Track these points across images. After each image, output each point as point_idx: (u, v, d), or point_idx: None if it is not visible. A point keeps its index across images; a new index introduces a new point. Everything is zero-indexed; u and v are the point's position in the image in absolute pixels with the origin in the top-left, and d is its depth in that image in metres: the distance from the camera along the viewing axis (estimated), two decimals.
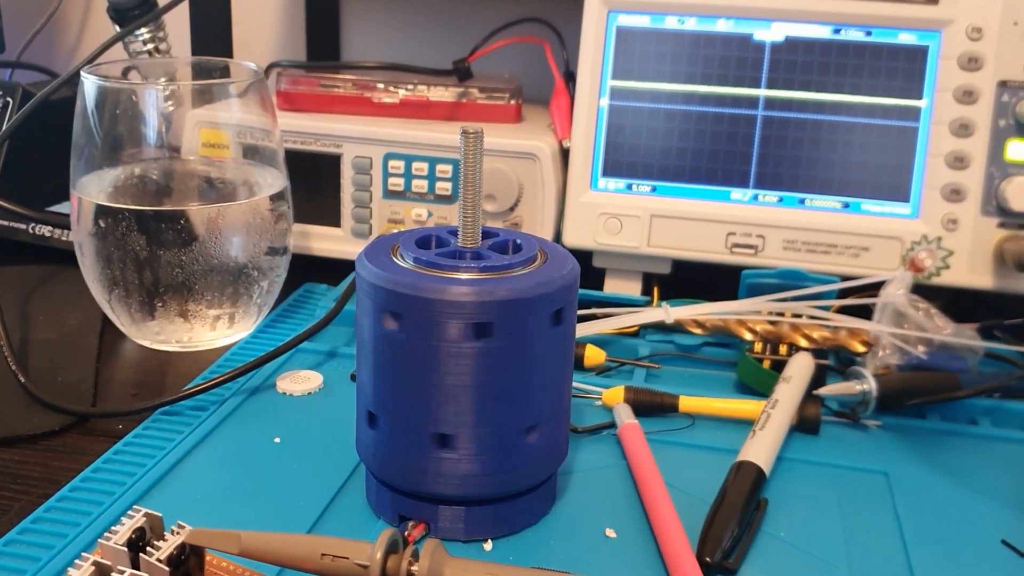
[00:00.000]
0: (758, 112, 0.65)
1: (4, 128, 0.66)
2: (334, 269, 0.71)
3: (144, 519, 0.34)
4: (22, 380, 0.53)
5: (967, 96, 0.63)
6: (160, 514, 0.35)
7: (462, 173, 0.41)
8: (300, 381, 0.55)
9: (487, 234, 0.44)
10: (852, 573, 0.41)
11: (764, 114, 0.65)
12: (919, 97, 0.64)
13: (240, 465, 0.47)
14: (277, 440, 0.49)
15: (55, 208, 0.74)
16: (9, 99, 0.73)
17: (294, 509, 0.43)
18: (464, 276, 0.40)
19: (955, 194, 0.63)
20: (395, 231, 0.50)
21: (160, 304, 0.57)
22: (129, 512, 0.35)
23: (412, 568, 0.32)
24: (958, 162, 0.63)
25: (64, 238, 0.71)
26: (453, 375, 0.39)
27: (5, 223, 0.72)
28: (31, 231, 0.72)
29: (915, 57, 0.64)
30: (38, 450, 0.49)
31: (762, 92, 0.65)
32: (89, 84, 0.56)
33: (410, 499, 0.42)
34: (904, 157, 0.64)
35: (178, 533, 0.34)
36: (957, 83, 0.63)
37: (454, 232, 0.43)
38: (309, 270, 0.71)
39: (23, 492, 0.45)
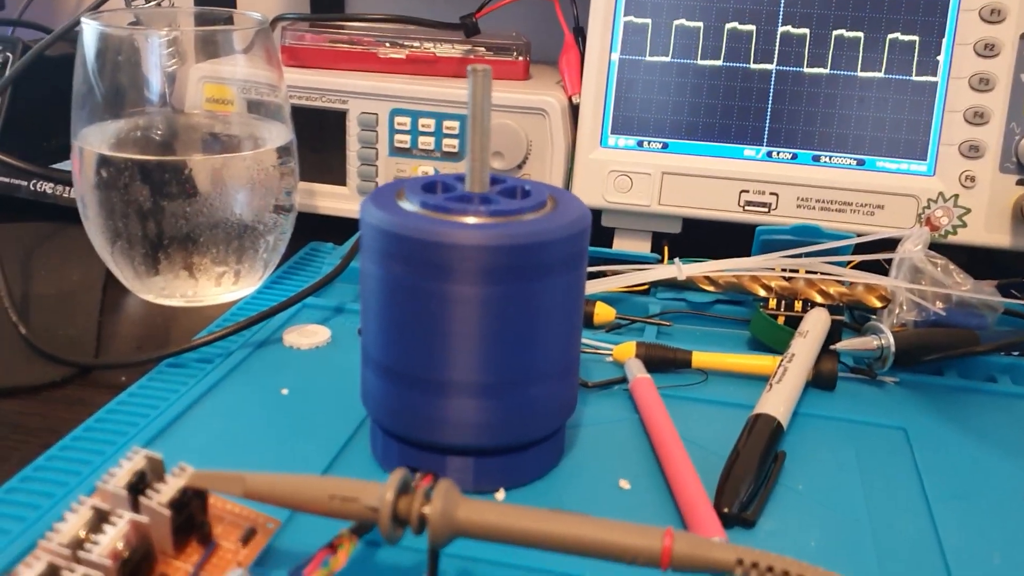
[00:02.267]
0: (772, 67, 0.64)
1: (2, 80, 0.65)
2: (340, 228, 0.70)
3: (144, 461, 0.33)
4: (23, 332, 0.52)
5: (988, 49, 0.61)
6: (160, 456, 0.34)
7: (469, 114, 0.40)
8: (307, 335, 0.54)
9: (494, 180, 0.42)
10: (874, 526, 0.40)
11: (778, 69, 0.64)
12: (938, 51, 0.62)
13: (246, 416, 0.46)
14: (284, 392, 0.48)
15: (57, 165, 0.73)
16: (9, 54, 0.72)
17: (300, 460, 0.43)
18: (473, 220, 0.38)
19: (973, 151, 0.62)
20: None
21: (164, 258, 0.56)
22: (128, 454, 0.34)
23: (424, 510, 0.31)
24: (977, 118, 0.62)
25: (66, 195, 0.70)
26: (461, 322, 0.38)
27: (6, 180, 0.70)
28: (33, 188, 0.70)
29: (935, 9, 0.62)
30: (39, 401, 0.48)
31: (776, 47, 0.64)
32: (89, 31, 0.55)
33: (417, 450, 0.41)
34: (921, 113, 0.63)
35: (179, 475, 0.33)
36: (978, 36, 0.61)
37: (460, 178, 0.42)
38: (315, 229, 0.70)
39: (23, 442, 0.44)
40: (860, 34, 0.63)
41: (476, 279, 0.37)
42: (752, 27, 0.64)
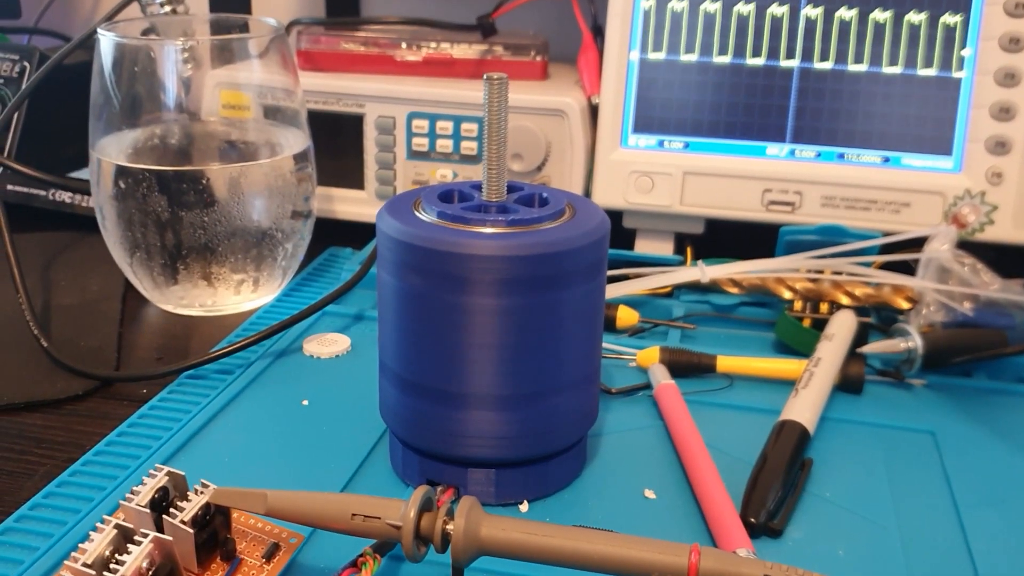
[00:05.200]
0: (795, 63, 0.63)
1: (21, 90, 0.65)
2: (358, 233, 0.69)
3: (167, 478, 0.33)
4: (45, 345, 0.52)
5: (1013, 44, 0.60)
6: (183, 472, 0.34)
7: (486, 122, 0.39)
8: (327, 344, 0.54)
9: (512, 188, 0.42)
10: (902, 534, 0.39)
11: (801, 65, 0.63)
12: (963, 46, 0.61)
13: (266, 429, 0.46)
14: (305, 403, 0.48)
15: (76, 174, 0.73)
16: (27, 64, 0.72)
17: (321, 474, 0.42)
18: (491, 230, 0.38)
19: (1000, 146, 0.61)
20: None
21: (183, 267, 0.56)
22: (151, 471, 0.33)
23: (447, 527, 0.31)
24: (1003, 113, 0.61)
25: (85, 204, 0.70)
26: (480, 333, 0.38)
27: (25, 189, 0.71)
28: (51, 197, 0.70)
29: (959, 3, 0.61)
30: (62, 415, 0.48)
31: (799, 42, 0.63)
32: (106, 42, 0.55)
33: (438, 463, 0.40)
34: (947, 109, 0.62)
35: (202, 493, 0.33)
36: (1003, 30, 0.60)
37: (477, 187, 0.41)
38: (333, 234, 0.70)
39: (48, 456, 0.44)
40: (884, 28, 0.62)
41: (495, 290, 0.37)
42: (775, 23, 0.63)
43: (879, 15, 0.61)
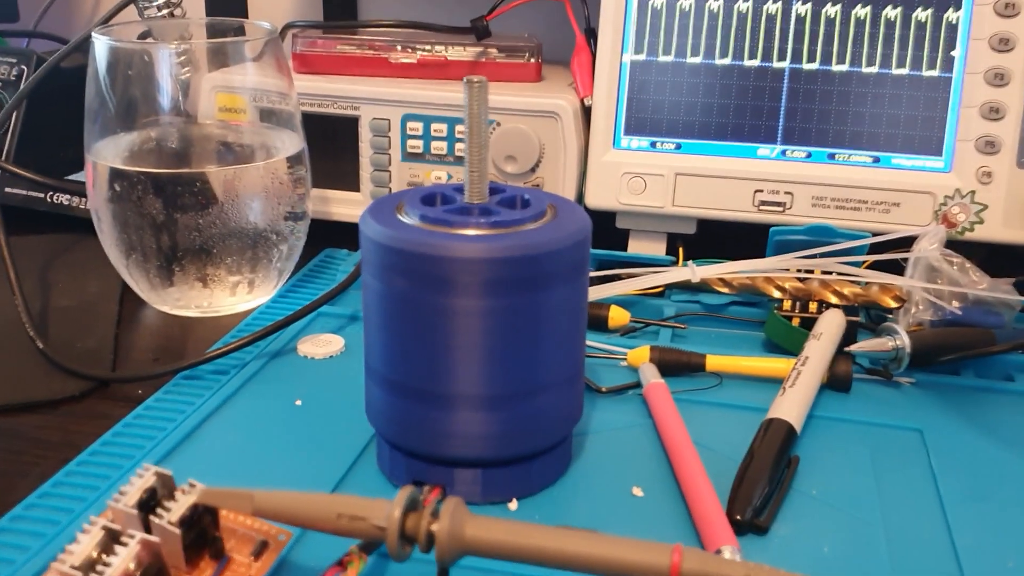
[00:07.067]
0: (786, 65, 0.63)
1: (17, 93, 0.66)
2: (354, 234, 0.69)
3: (154, 478, 0.34)
4: (41, 346, 0.53)
5: (1003, 44, 0.61)
6: (170, 472, 0.34)
7: (467, 125, 0.40)
8: (321, 344, 0.54)
9: (494, 190, 0.42)
10: (888, 531, 0.40)
11: (791, 67, 0.63)
12: (953, 46, 0.62)
13: (260, 429, 0.46)
14: (298, 403, 0.49)
15: (74, 177, 0.73)
16: (24, 67, 0.73)
17: (312, 474, 0.43)
18: (473, 232, 0.38)
19: (989, 146, 0.61)
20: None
21: (179, 269, 0.57)
22: (139, 471, 0.34)
23: (432, 527, 0.32)
24: (993, 113, 0.61)
25: (83, 207, 0.70)
26: (464, 335, 0.38)
27: (24, 192, 0.71)
28: (50, 200, 0.71)
29: (948, 4, 0.61)
30: (58, 415, 0.48)
31: (790, 43, 0.63)
32: (100, 45, 0.55)
33: (424, 463, 0.41)
34: (936, 109, 0.62)
35: (189, 492, 0.34)
36: (992, 31, 0.61)
37: (459, 189, 0.42)
38: (328, 235, 0.70)
39: (43, 456, 0.45)
40: (875, 29, 0.62)
41: (478, 292, 0.37)
42: (766, 25, 0.63)
43: (860, 11, 0.62)
